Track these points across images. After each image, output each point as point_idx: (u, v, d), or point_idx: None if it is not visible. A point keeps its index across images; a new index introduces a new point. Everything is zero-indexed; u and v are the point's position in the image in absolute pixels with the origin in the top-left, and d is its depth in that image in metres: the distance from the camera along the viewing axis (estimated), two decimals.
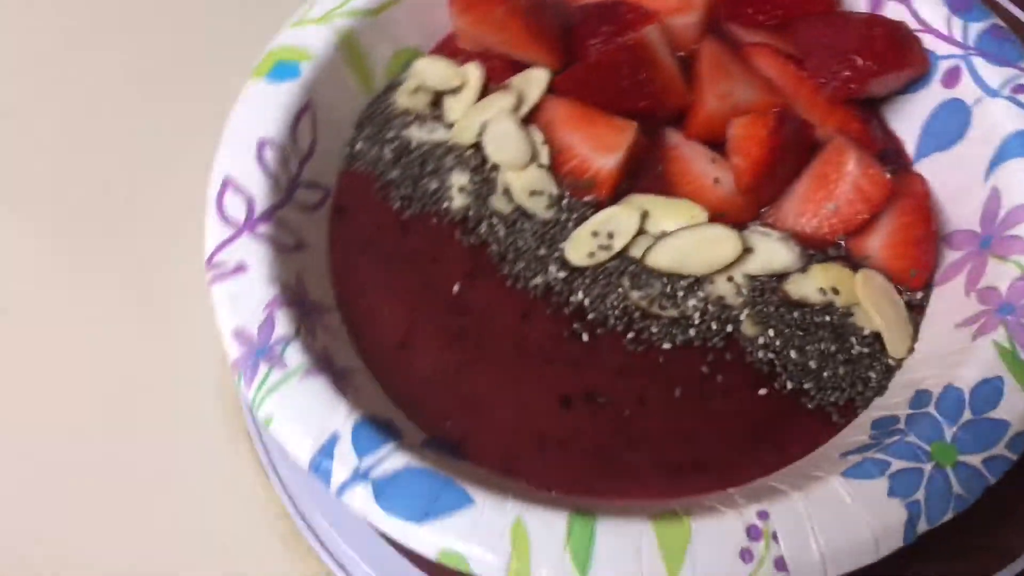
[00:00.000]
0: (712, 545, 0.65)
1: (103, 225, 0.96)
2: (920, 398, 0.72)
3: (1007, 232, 0.77)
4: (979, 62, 0.85)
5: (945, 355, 0.75)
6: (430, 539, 0.67)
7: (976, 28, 0.87)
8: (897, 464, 0.67)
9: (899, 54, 0.86)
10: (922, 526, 0.65)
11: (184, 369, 0.89)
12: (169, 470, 0.84)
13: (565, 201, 0.89)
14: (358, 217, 0.92)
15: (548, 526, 0.67)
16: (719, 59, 0.92)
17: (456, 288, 0.87)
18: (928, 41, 0.89)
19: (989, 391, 0.69)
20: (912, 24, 0.90)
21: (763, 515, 0.66)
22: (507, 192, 0.91)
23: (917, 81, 0.90)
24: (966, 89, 0.85)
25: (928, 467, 0.66)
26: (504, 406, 0.81)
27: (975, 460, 0.66)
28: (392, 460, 0.70)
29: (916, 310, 0.83)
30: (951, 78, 0.87)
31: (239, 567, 0.85)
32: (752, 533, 0.66)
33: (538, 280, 0.87)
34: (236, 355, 0.76)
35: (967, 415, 0.68)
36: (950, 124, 0.87)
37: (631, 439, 0.79)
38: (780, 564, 0.64)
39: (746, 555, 0.65)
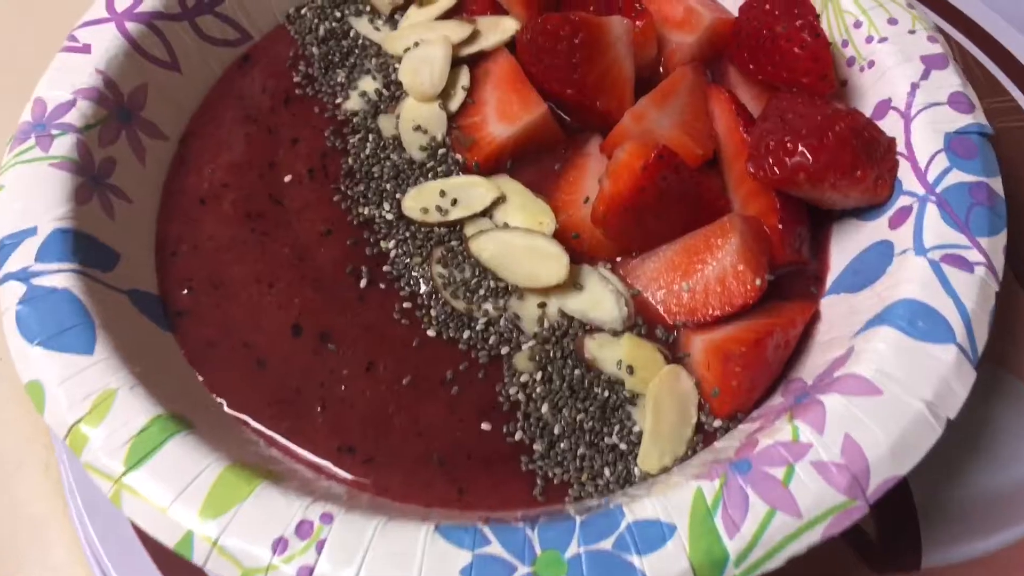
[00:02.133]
0: (258, 515, 0.58)
1: None
2: (593, 506, 0.61)
3: (815, 394, 0.64)
4: (932, 211, 0.70)
5: (666, 483, 0.64)
6: (32, 363, 0.64)
7: (956, 177, 0.71)
8: (496, 549, 0.57)
9: (845, 163, 0.72)
10: None
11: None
12: None
13: (442, 152, 0.82)
14: (256, 71, 0.89)
15: (131, 411, 0.62)
16: (678, 85, 0.82)
17: (288, 178, 0.82)
18: (903, 170, 0.74)
19: (652, 534, 0.57)
20: (899, 145, 0.75)
21: (327, 518, 0.58)
22: (399, 117, 0.85)
23: (874, 209, 0.76)
24: (902, 235, 0.71)
25: (524, 570, 0.56)
26: (243, 304, 0.75)
27: None
28: (60, 278, 0.67)
29: (706, 438, 0.70)
30: (899, 218, 0.73)
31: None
32: (301, 530, 0.58)
33: (365, 210, 0.81)
34: (23, 119, 0.75)
35: (607, 544, 0.57)
36: (871, 267, 0.73)
37: (330, 399, 0.72)
38: (305, 574, 0.56)
39: (279, 545, 0.57)
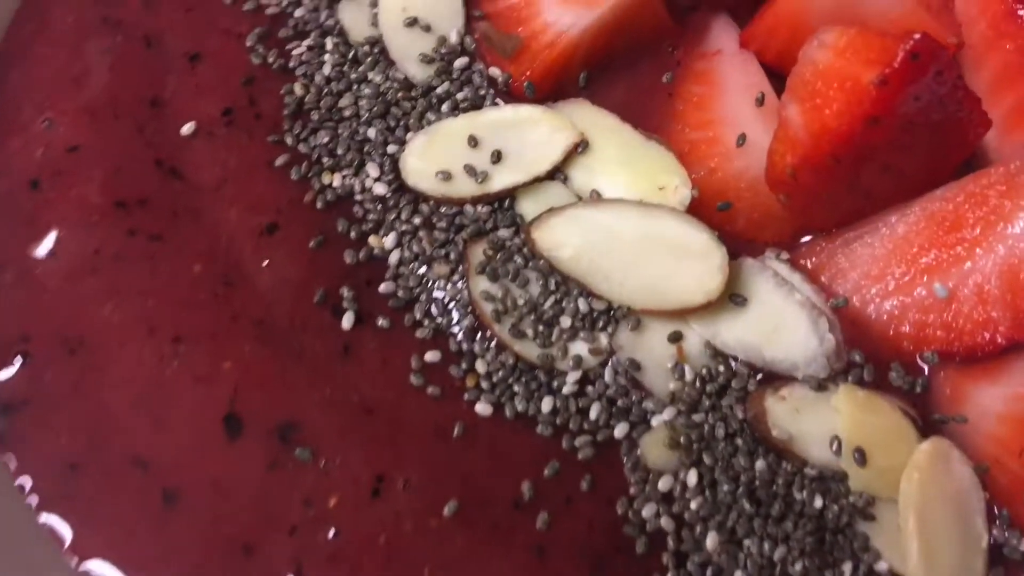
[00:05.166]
0: None
1: None
2: None
3: None
4: None
5: None
6: None
7: None
8: None
9: None
10: None
11: None
12: None
13: (461, 63, 0.53)
14: None
15: None
16: None
17: (189, 128, 0.49)
18: None
19: None
20: None
21: None
22: (375, 5, 0.55)
23: None
24: None
25: None
26: (128, 380, 0.48)
27: None
28: None
29: (1008, 571, 0.44)
30: None
31: None
32: None
33: (335, 180, 0.51)
34: None
35: None
36: None
37: (311, 558, 0.43)
38: None
39: None
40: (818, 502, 0.45)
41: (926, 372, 0.47)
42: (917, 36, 0.42)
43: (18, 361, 0.47)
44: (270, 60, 0.54)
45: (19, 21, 0.56)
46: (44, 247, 0.49)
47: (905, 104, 0.42)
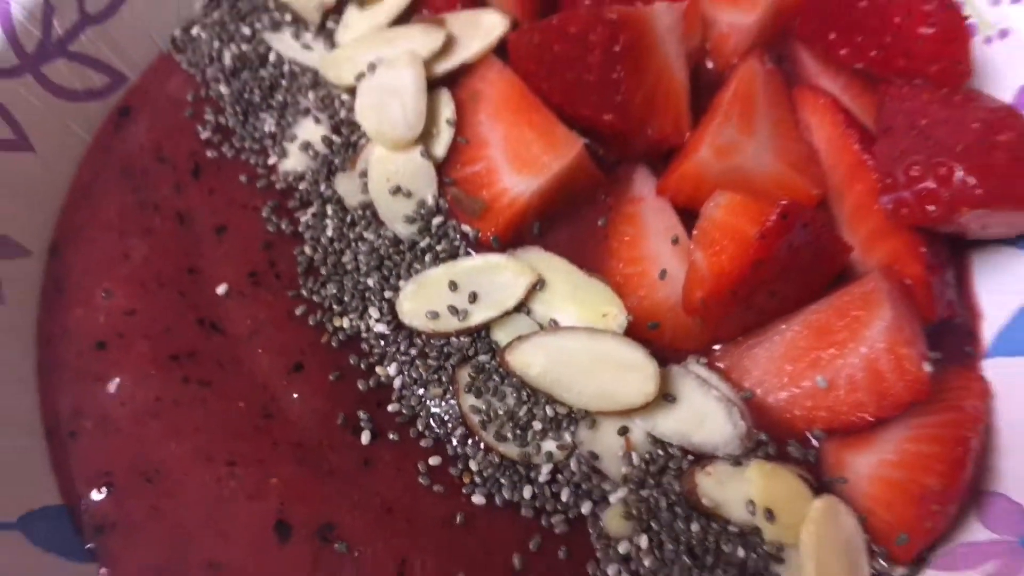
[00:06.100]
0: None
1: None
2: None
3: None
4: None
5: None
6: None
7: None
8: None
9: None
10: None
11: None
12: None
13: (438, 221, 0.62)
14: (142, 130, 0.66)
15: None
16: (754, 91, 0.64)
17: (223, 289, 0.60)
18: None
19: None
20: None
21: None
22: (364, 176, 0.62)
23: None
24: None
25: None
26: (195, 499, 0.56)
27: None
28: None
29: None
30: None
31: None
32: None
33: (345, 323, 0.61)
34: None
35: None
36: None
37: None
38: None
39: None
40: (741, 552, 0.54)
41: (816, 445, 0.58)
42: (785, 202, 0.53)
43: (104, 488, 0.56)
44: (283, 227, 0.63)
45: (69, 211, 0.64)
46: (115, 398, 0.58)
47: (781, 250, 0.54)
